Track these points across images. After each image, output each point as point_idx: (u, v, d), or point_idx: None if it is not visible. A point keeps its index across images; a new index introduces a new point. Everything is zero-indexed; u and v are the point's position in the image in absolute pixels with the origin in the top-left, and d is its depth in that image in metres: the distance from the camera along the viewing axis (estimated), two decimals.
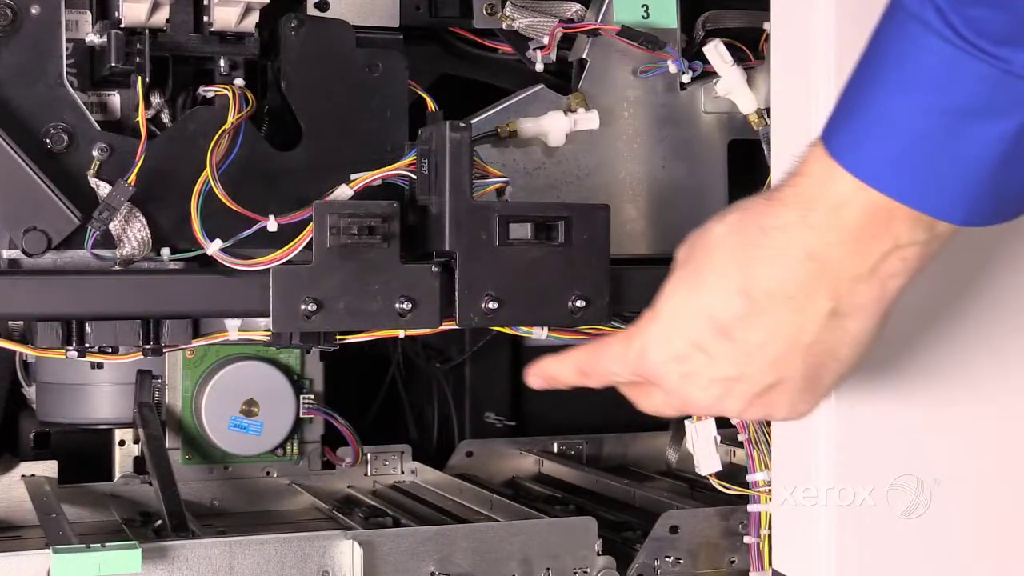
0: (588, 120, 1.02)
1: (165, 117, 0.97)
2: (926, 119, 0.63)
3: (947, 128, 0.62)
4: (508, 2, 1.06)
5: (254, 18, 0.93)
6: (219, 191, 0.88)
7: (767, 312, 0.69)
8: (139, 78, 0.89)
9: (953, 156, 0.63)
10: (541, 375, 0.84)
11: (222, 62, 0.94)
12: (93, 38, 0.91)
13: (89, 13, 0.92)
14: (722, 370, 0.72)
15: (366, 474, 1.26)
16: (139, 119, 0.90)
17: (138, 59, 0.89)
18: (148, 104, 0.94)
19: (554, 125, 1.02)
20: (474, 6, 1.06)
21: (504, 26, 1.06)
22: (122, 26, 0.90)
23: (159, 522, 1.07)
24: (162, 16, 0.91)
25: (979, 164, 0.62)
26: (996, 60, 0.60)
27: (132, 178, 0.87)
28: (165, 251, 0.91)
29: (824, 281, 0.68)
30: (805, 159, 0.68)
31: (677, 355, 0.73)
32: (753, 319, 0.70)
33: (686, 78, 1.06)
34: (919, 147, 0.63)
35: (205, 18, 0.93)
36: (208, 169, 0.88)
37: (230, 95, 0.91)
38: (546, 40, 1.05)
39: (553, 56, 1.05)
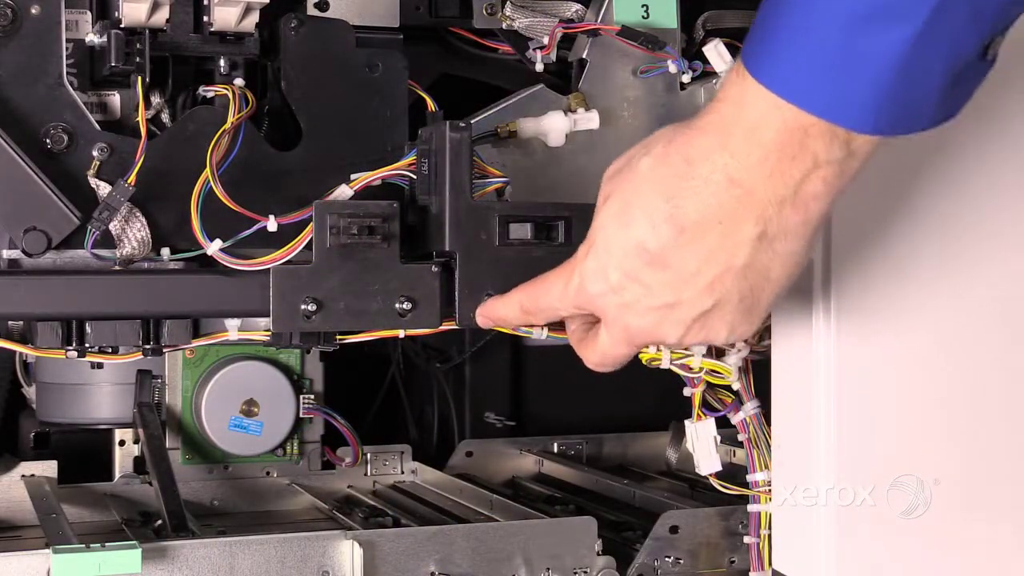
0: (588, 120, 1.02)
1: (165, 117, 0.97)
2: (831, 26, 0.65)
3: (850, 35, 0.65)
4: (508, 2, 1.06)
5: (254, 18, 0.93)
6: (219, 191, 0.88)
7: (697, 240, 0.72)
8: (139, 78, 0.89)
9: (857, 63, 0.65)
10: (488, 316, 0.88)
11: (222, 62, 0.94)
12: (93, 38, 0.91)
13: (89, 13, 0.92)
14: (659, 298, 0.74)
15: (366, 474, 1.26)
16: (139, 119, 0.90)
17: (138, 59, 0.89)
18: (148, 104, 0.94)
19: (554, 125, 1.02)
20: (474, 6, 1.06)
21: (504, 26, 1.06)
22: (122, 26, 0.90)
23: (159, 522, 1.07)
24: (162, 16, 0.91)
25: (882, 70, 0.65)
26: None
27: (132, 178, 0.87)
28: (165, 251, 0.91)
29: (749, 206, 0.70)
30: (725, 82, 0.70)
31: (613, 286, 0.75)
32: (685, 247, 0.72)
33: (686, 78, 1.06)
34: (826, 56, 0.66)
35: (205, 18, 0.93)
36: (208, 169, 0.88)
37: (230, 95, 0.91)
38: (546, 40, 1.05)
39: (553, 56, 1.05)
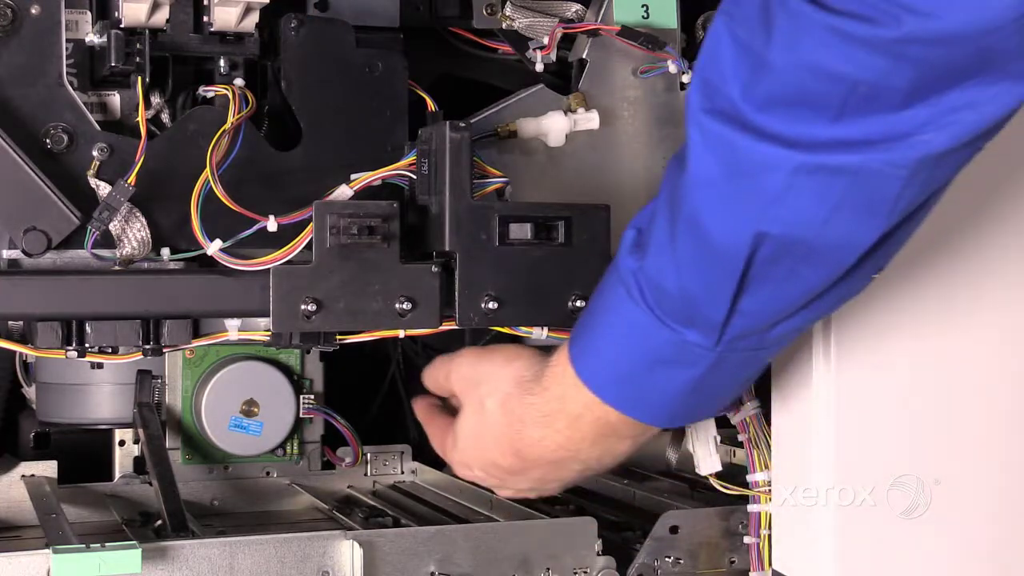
0: (588, 120, 1.02)
1: (165, 117, 0.97)
2: (632, 360, 0.83)
3: (648, 368, 0.82)
4: (508, 2, 1.06)
5: (254, 18, 0.93)
6: (219, 191, 0.88)
7: (539, 467, 0.92)
8: (139, 78, 0.89)
9: (653, 387, 0.83)
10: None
11: (222, 62, 0.94)
12: (93, 38, 0.91)
13: (89, 13, 0.92)
14: (515, 486, 0.96)
15: (366, 474, 1.26)
16: (139, 119, 0.90)
17: (138, 59, 0.89)
18: (148, 104, 0.94)
19: (554, 125, 1.01)
20: (474, 6, 1.06)
21: (504, 26, 1.06)
22: (122, 26, 0.90)
23: (159, 522, 1.07)
24: (162, 16, 0.91)
25: (673, 394, 0.83)
26: (677, 332, 0.79)
27: (132, 178, 0.87)
28: (165, 251, 0.91)
29: (575, 459, 0.90)
30: (555, 363, 0.88)
31: (477, 477, 0.97)
32: (531, 470, 0.93)
33: (686, 78, 1.06)
34: (630, 378, 0.83)
35: (205, 18, 0.93)
36: (208, 169, 0.88)
37: (230, 95, 0.91)
38: (546, 40, 1.05)
39: (553, 56, 1.05)
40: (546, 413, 0.89)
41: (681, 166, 0.75)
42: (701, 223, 0.74)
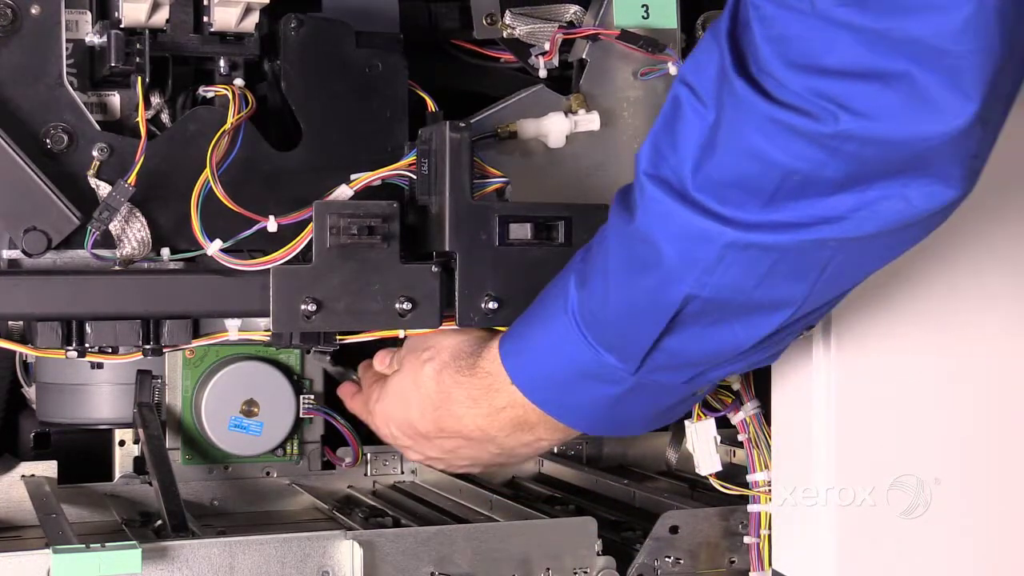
0: (589, 122, 1.02)
1: (165, 117, 0.97)
2: (560, 368, 0.86)
3: (574, 378, 0.85)
4: (507, 11, 1.05)
5: (254, 18, 0.93)
6: (219, 191, 0.88)
7: (453, 438, 0.94)
8: (139, 78, 0.89)
9: (577, 395, 0.86)
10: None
11: (222, 62, 0.94)
12: (93, 38, 0.91)
13: (89, 13, 0.92)
14: (425, 452, 0.98)
15: (366, 474, 1.26)
16: (139, 119, 0.90)
17: (138, 59, 0.89)
18: (148, 104, 0.94)
19: (554, 126, 1.01)
20: (474, 17, 1.06)
21: (505, 35, 1.06)
22: (122, 26, 0.90)
23: (159, 522, 1.07)
24: (162, 16, 0.91)
25: (595, 405, 0.86)
26: (600, 353, 0.83)
27: (132, 178, 0.87)
28: (165, 251, 0.91)
29: (491, 443, 0.93)
30: (490, 352, 0.90)
31: (391, 432, 0.99)
32: (444, 439, 0.95)
33: None
34: (556, 383, 0.87)
35: (205, 18, 0.93)
36: (208, 169, 0.88)
37: (230, 95, 0.91)
38: (547, 46, 1.05)
39: (556, 61, 1.05)
40: (473, 396, 0.91)
41: (628, 207, 0.79)
42: (635, 269, 0.78)
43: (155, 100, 0.95)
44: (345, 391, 1.09)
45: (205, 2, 0.92)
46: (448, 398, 0.92)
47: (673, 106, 0.74)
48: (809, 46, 0.65)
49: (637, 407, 0.87)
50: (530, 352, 0.88)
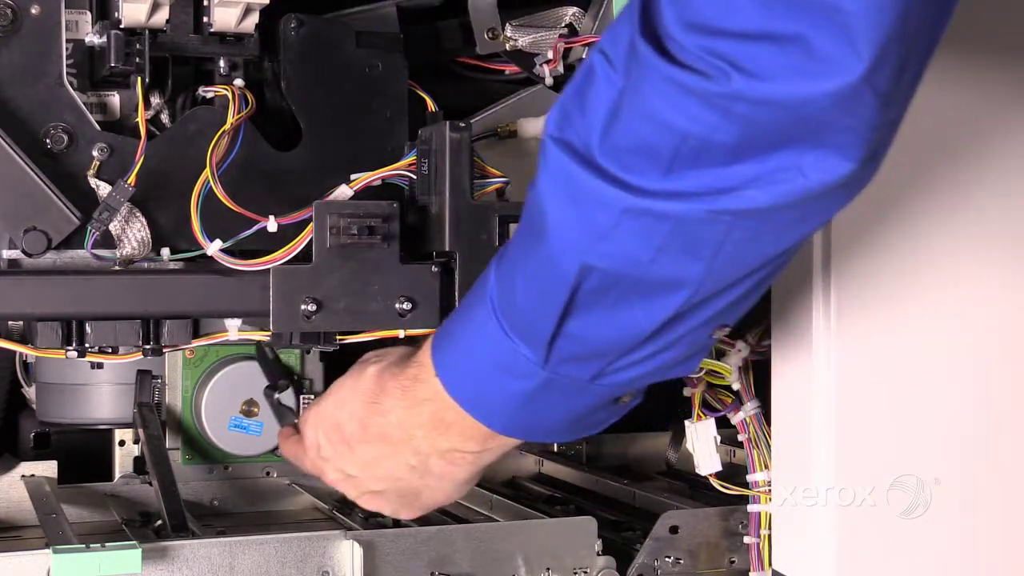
0: None
1: (165, 117, 0.97)
2: (478, 358, 0.84)
3: (490, 370, 0.83)
4: (507, 24, 1.05)
5: (254, 19, 0.93)
6: (219, 191, 0.88)
7: (374, 443, 0.90)
8: (139, 79, 0.89)
9: (491, 389, 0.84)
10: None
11: (222, 63, 0.94)
12: (93, 38, 0.91)
13: (89, 13, 0.92)
14: (344, 466, 0.93)
15: None
16: (139, 119, 0.90)
17: (138, 60, 0.88)
18: (148, 104, 0.94)
19: None
20: (475, 34, 1.06)
21: (508, 47, 1.06)
22: (122, 26, 0.90)
23: (159, 522, 1.07)
24: (162, 16, 0.91)
25: (508, 401, 0.83)
26: (513, 341, 0.81)
27: (132, 178, 0.87)
28: (165, 251, 0.91)
29: (408, 446, 0.89)
30: (425, 345, 0.88)
31: (316, 442, 0.94)
32: (365, 444, 0.90)
33: None
34: (473, 375, 0.84)
35: (205, 19, 0.92)
36: (208, 169, 0.88)
37: (230, 95, 0.91)
38: (551, 55, 1.05)
39: (561, 68, 1.05)
40: (403, 386, 0.89)
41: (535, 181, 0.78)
42: (535, 238, 0.77)
43: (155, 100, 0.95)
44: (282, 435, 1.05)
45: (205, 2, 0.92)
46: (382, 391, 0.90)
47: (586, 73, 0.73)
48: (708, 8, 0.65)
49: (551, 408, 0.84)
50: (452, 339, 0.86)
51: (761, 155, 0.67)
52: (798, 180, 0.68)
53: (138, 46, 0.88)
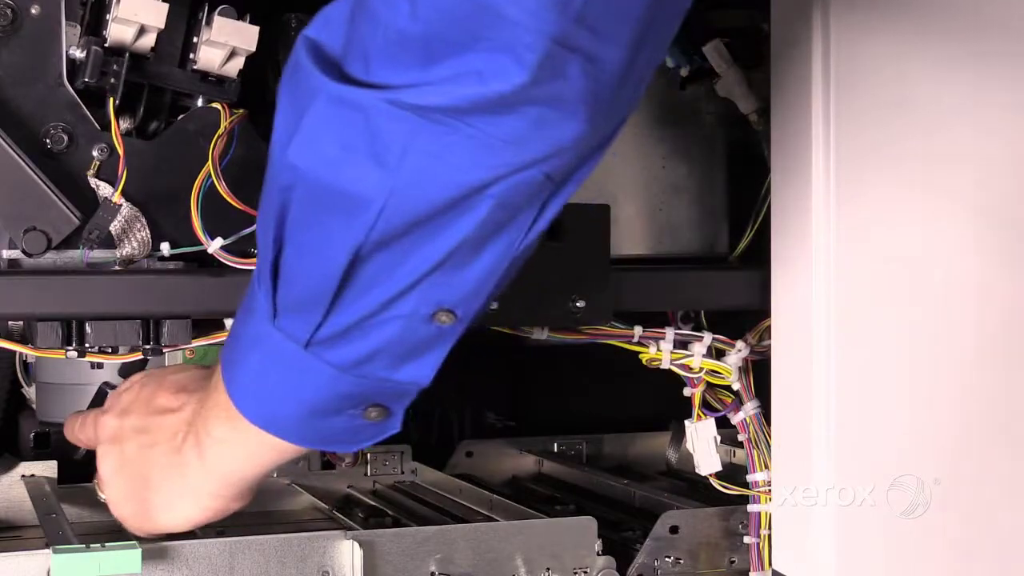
0: None
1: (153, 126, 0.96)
2: (238, 339, 0.82)
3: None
4: None
5: (238, 64, 0.91)
6: (221, 187, 0.88)
7: (146, 416, 0.91)
8: (111, 98, 0.88)
9: (280, 397, 0.81)
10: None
11: (200, 100, 0.93)
12: (75, 52, 0.90)
13: (79, 27, 0.90)
14: (112, 456, 0.92)
15: (366, 474, 1.26)
16: (113, 136, 0.89)
17: (112, 80, 0.87)
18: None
19: None
20: None
21: None
22: (107, 45, 0.88)
23: None
24: (148, 42, 0.89)
25: (298, 408, 0.81)
26: (257, 291, 0.78)
27: (118, 196, 0.87)
28: (165, 245, 0.91)
29: (165, 439, 0.90)
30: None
31: (104, 419, 0.94)
32: (137, 418, 0.92)
33: (684, 72, 1.06)
34: (236, 361, 0.82)
35: (191, 55, 0.91)
36: (210, 164, 0.88)
37: (221, 108, 0.91)
38: None
39: None
40: (193, 377, 0.91)
41: None
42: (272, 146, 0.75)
43: (124, 124, 0.94)
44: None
45: (194, 39, 0.91)
46: (168, 383, 0.92)
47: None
48: None
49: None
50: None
51: (451, 57, 0.66)
52: (476, 85, 0.66)
53: (115, 67, 0.87)
